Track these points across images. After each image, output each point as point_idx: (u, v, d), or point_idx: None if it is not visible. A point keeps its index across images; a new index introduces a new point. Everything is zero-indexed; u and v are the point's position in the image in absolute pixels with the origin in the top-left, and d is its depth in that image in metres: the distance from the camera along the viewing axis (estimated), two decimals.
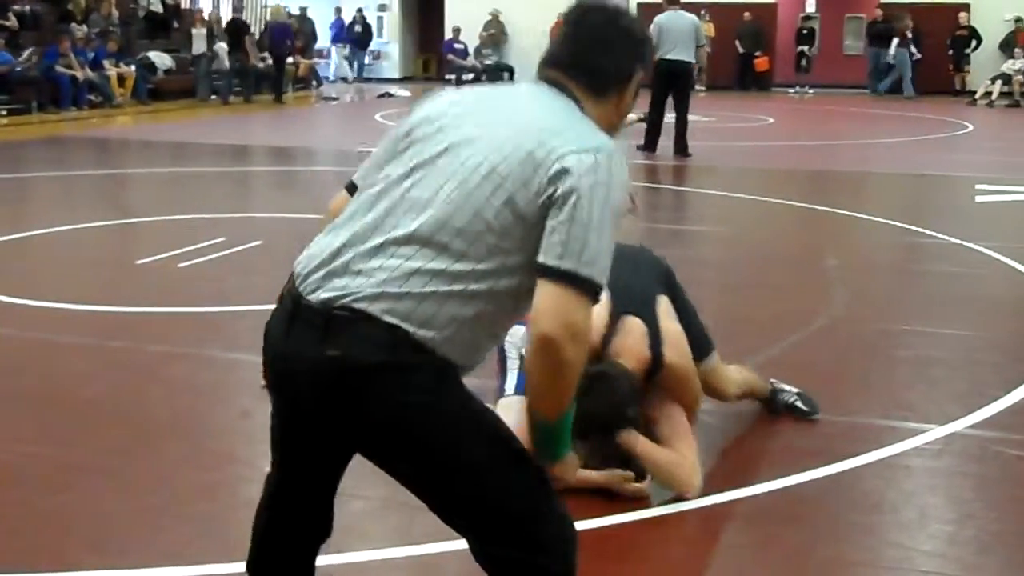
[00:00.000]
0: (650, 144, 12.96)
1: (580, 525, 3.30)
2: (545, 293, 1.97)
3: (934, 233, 8.18)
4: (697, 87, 12.50)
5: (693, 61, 12.83)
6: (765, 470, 3.77)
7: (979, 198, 10.07)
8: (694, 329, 3.91)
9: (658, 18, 12.58)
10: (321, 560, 3.15)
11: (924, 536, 3.36)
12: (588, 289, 1.98)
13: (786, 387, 4.33)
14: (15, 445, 3.96)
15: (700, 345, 3.91)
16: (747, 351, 5.15)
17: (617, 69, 2.23)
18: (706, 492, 3.59)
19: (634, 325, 3.62)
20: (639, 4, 26.36)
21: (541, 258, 1.99)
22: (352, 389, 2.02)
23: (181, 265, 6.86)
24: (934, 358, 5.19)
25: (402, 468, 2.13)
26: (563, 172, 2.00)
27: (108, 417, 4.28)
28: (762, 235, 8.68)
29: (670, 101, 12.77)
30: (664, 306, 3.78)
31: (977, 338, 5.55)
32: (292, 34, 22.82)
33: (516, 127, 2.09)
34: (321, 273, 2.09)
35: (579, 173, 2.00)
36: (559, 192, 2.00)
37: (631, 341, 3.58)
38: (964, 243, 7.76)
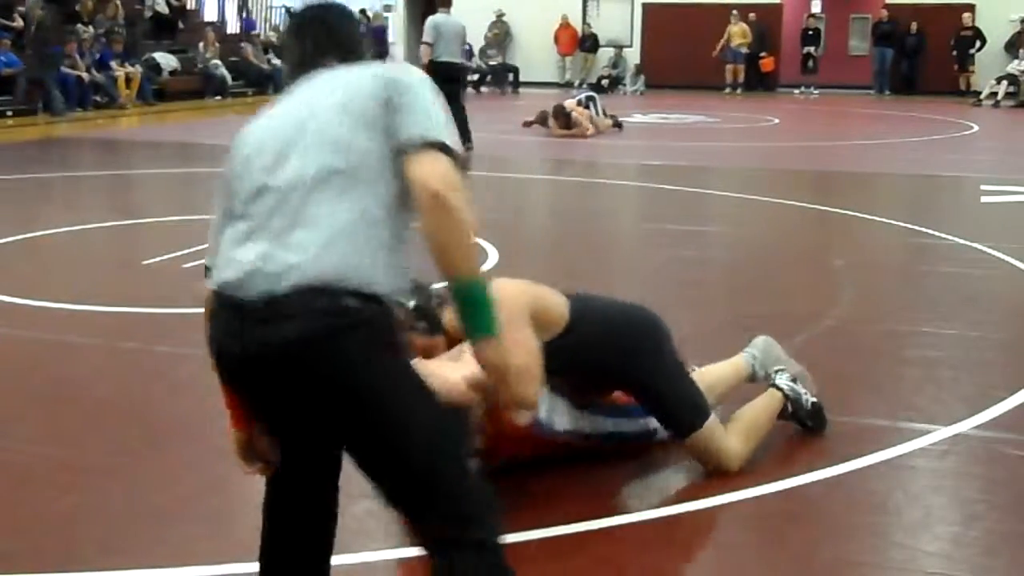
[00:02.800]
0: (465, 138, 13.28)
1: (582, 527, 3.33)
2: (418, 162, 2.19)
3: (939, 234, 8.18)
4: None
5: (464, 62, 13.39)
6: (770, 470, 3.77)
7: (984, 199, 10.06)
8: (672, 397, 3.62)
9: (432, 19, 13.03)
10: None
11: (929, 537, 3.36)
12: (448, 150, 2.22)
13: (801, 398, 4.06)
14: (24, 445, 3.98)
15: (682, 418, 3.62)
16: None
17: (350, 40, 2.52)
18: (712, 493, 3.60)
19: None
20: (644, 4, 26.46)
21: (402, 142, 2.21)
22: (301, 363, 2.13)
23: (187, 266, 6.87)
24: (939, 359, 5.19)
25: (348, 437, 2.23)
26: (393, 81, 2.28)
27: (116, 417, 4.30)
28: (768, 236, 8.68)
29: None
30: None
31: (983, 339, 5.55)
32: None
33: (337, 82, 2.33)
34: (242, 273, 2.23)
35: (403, 77, 2.30)
36: (395, 95, 2.25)
37: None
38: (969, 244, 7.75)
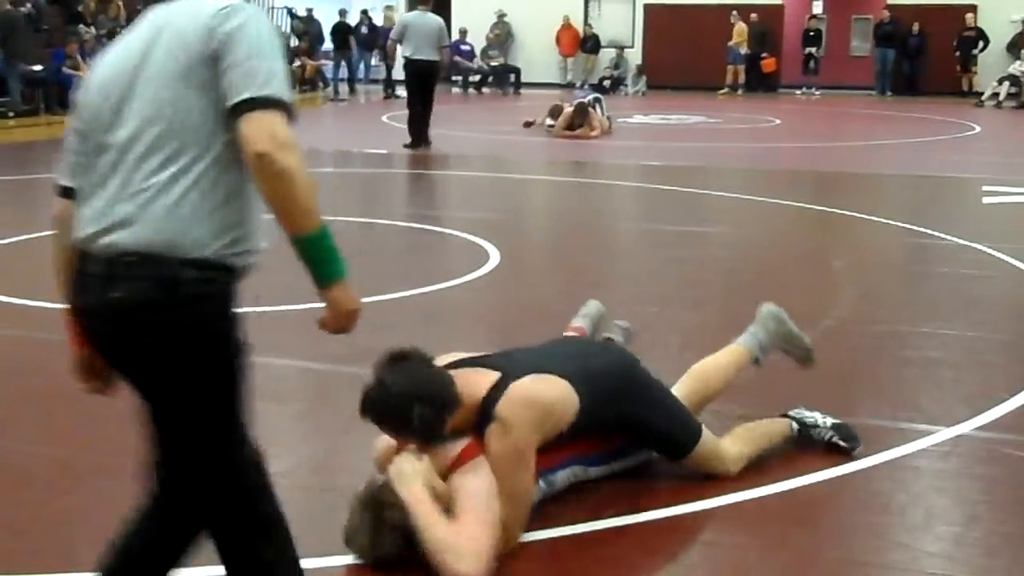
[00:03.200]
0: (417, 139, 13.60)
1: (587, 527, 3.33)
2: (243, 124, 2.16)
3: (941, 234, 8.17)
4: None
5: (437, 59, 13.41)
6: (772, 471, 3.76)
7: (986, 199, 10.06)
8: (663, 427, 3.57)
9: (404, 16, 13.18)
10: (329, 561, 3.17)
11: (931, 537, 3.36)
12: (275, 104, 2.19)
13: (818, 420, 3.99)
14: (24, 445, 3.97)
15: (676, 442, 3.59)
16: None
17: None
18: (714, 494, 3.60)
19: (481, 374, 3.29)
20: (645, 5, 26.45)
21: (228, 103, 2.17)
22: (126, 326, 2.22)
23: None
24: (941, 360, 5.18)
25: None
26: (221, 34, 2.20)
27: (116, 418, 4.26)
28: (768, 236, 8.67)
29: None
30: (542, 379, 3.28)
31: (984, 340, 5.54)
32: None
33: (171, 29, 2.24)
34: (93, 229, 2.24)
35: (231, 28, 2.20)
36: (222, 49, 2.19)
37: (471, 380, 3.25)
38: (971, 244, 7.75)
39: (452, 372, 3.27)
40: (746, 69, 25.27)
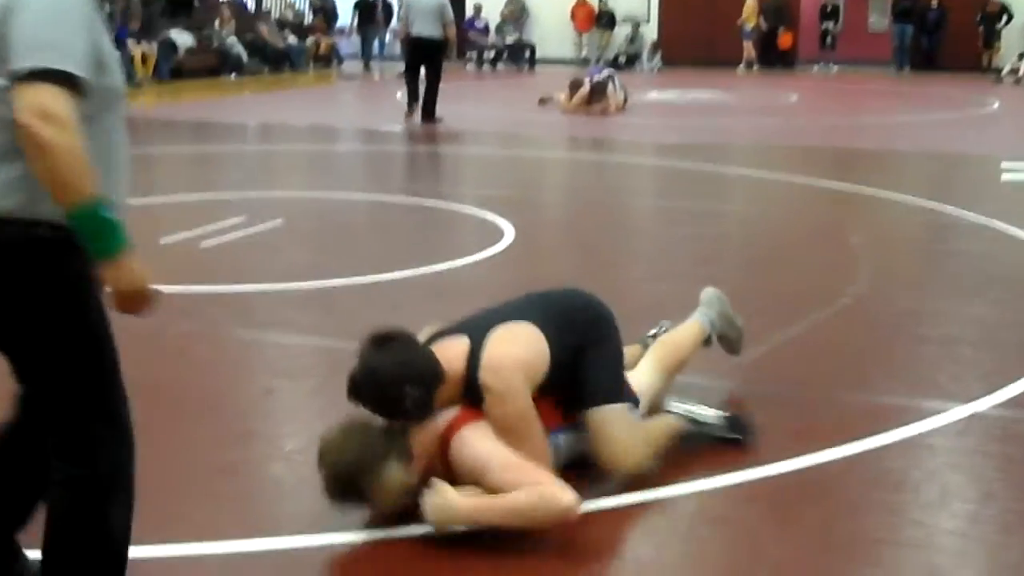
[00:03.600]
0: (410, 109, 13.89)
1: (598, 504, 3.34)
2: (17, 95, 2.15)
3: (958, 212, 8.13)
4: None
5: (440, 36, 13.52)
6: (787, 448, 3.76)
7: (1005, 176, 9.99)
8: (600, 376, 3.45)
9: None
10: (344, 537, 3.19)
11: (946, 515, 3.35)
12: (50, 76, 2.15)
13: (709, 416, 3.82)
14: None
15: (594, 388, 3.44)
16: (769, 329, 5.15)
17: None
18: (727, 470, 3.60)
19: (452, 343, 3.33)
20: None
21: (10, 68, 2.16)
22: None
23: (204, 244, 6.89)
24: (957, 337, 5.16)
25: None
26: (6, 3, 2.19)
27: (134, 395, 4.27)
28: (785, 213, 8.64)
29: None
30: (505, 332, 3.31)
31: (1001, 317, 5.52)
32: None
33: None
34: None
35: None
36: (8, 18, 2.18)
37: (445, 354, 3.27)
38: (989, 222, 7.71)
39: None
40: (763, 45, 25.12)
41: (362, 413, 3.19)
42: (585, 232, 7.95)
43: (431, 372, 3.18)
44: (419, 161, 12.25)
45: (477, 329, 3.36)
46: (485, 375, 3.21)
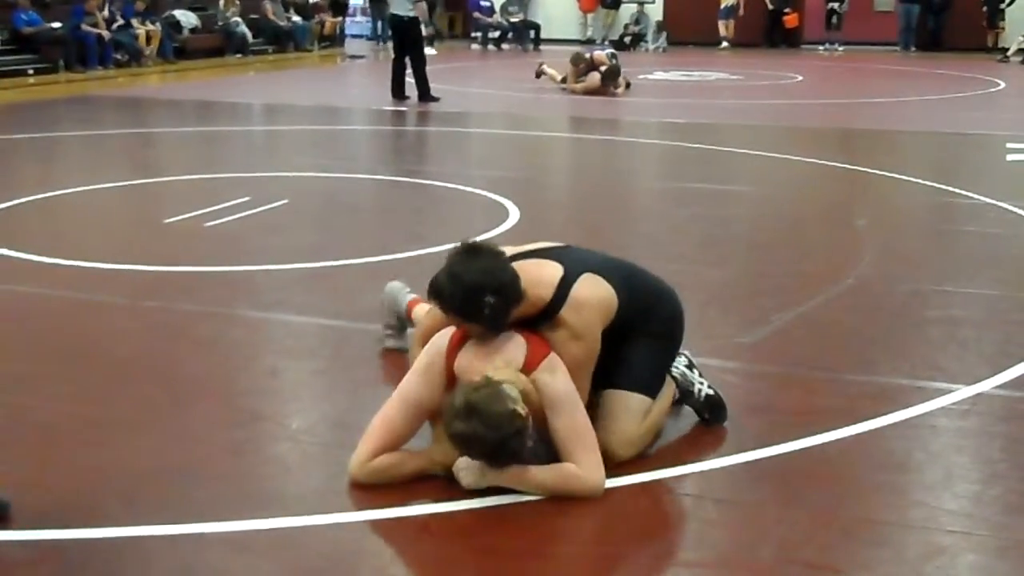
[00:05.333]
0: (396, 92, 14.08)
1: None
2: None
3: (964, 192, 8.11)
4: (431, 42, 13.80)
5: (411, 14, 13.68)
6: (789, 429, 3.77)
7: (1010, 157, 9.97)
8: (647, 364, 3.58)
9: None
10: (347, 517, 3.20)
11: (950, 496, 3.36)
12: None
13: (695, 388, 3.82)
14: (49, 402, 4.01)
15: (635, 378, 3.54)
16: (774, 310, 5.15)
17: None
18: (732, 451, 3.60)
19: (546, 266, 3.45)
20: None
21: None
22: None
23: (208, 224, 6.89)
24: (963, 318, 5.16)
25: None
26: None
27: (140, 375, 4.32)
28: (790, 194, 8.63)
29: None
30: (595, 280, 3.44)
31: (1007, 298, 5.51)
32: None
33: None
34: None
35: None
36: None
37: (533, 275, 3.38)
38: (994, 202, 7.69)
39: (518, 262, 3.41)
40: (769, 25, 25.03)
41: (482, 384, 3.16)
42: (589, 212, 7.94)
43: (513, 287, 3.28)
44: (424, 141, 12.23)
45: (573, 264, 3.46)
46: (568, 311, 3.35)
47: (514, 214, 7.22)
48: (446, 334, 3.39)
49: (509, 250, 3.51)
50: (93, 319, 5.11)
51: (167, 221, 7.02)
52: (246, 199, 7.54)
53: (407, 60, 13.91)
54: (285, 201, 7.63)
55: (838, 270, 5.91)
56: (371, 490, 3.26)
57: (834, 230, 7.13)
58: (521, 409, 3.12)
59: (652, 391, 3.58)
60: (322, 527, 3.11)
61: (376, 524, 3.15)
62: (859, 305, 5.38)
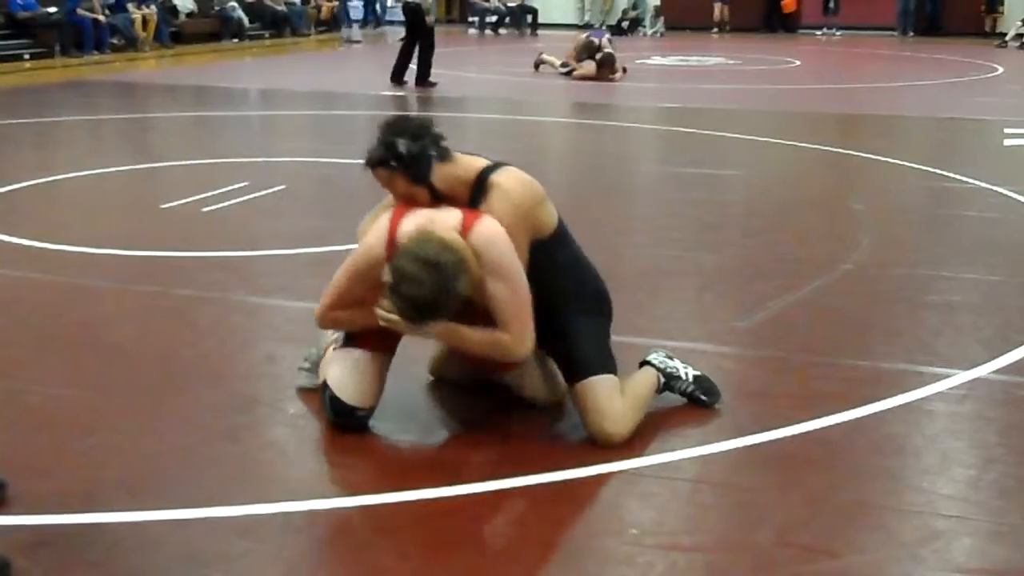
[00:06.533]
0: (395, 76, 14.18)
1: (598, 469, 3.35)
2: None
3: (961, 177, 8.11)
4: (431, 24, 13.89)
5: (418, 1, 13.77)
6: (787, 414, 3.77)
7: (1008, 142, 9.97)
8: (591, 347, 3.57)
9: None
10: (350, 502, 3.20)
11: (946, 480, 3.37)
12: None
13: (680, 371, 3.83)
14: (46, 388, 4.01)
15: (580, 361, 3.55)
16: (770, 295, 5.15)
17: None
18: (728, 436, 3.61)
19: (478, 158, 3.64)
20: None
21: None
22: None
23: (205, 209, 6.88)
24: (960, 303, 5.16)
25: None
26: None
27: (137, 360, 4.33)
28: (786, 179, 8.62)
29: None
30: (524, 174, 3.61)
31: (1004, 283, 5.52)
32: None
33: None
34: None
35: None
36: None
37: (466, 159, 3.61)
38: (992, 187, 7.69)
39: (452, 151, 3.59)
40: (766, 10, 25.00)
41: (424, 235, 3.30)
42: (587, 197, 7.93)
43: (426, 132, 3.54)
44: None
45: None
46: (499, 175, 3.51)
47: None
48: (389, 211, 3.55)
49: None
50: (90, 304, 5.11)
51: (164, 206, 7.01)
52: (244, 184, 7.53)
53: (416, 47, 13.91)
54: (283, 186, 7.62)
55: (835, 255, 5.92)
56: (369, 474, 3.26)
57: (831, 215, 7.13)
58: (457, 256, 3.25)
59: (609, 367, 3.58)
60: (322, 511, 3.12)
61: (375, 508, 3.15)
62: (856, 290, 5.39)
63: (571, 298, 3.62)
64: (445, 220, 3.40)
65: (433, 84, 13.80)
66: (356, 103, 13.57)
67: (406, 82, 14.00)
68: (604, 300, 3.76)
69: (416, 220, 3.43)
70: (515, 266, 3.38)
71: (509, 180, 3.51)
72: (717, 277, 5.65)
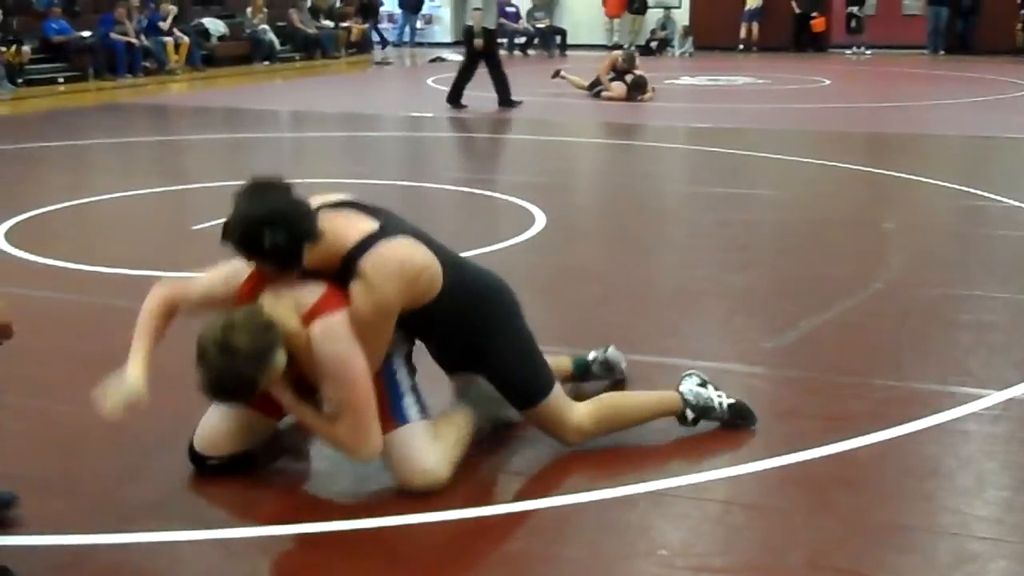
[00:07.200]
0: (451, 98, 13.98)
1: (629, 490, 3.34)
2: None
3: (994, 196, 8.04)
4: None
5: (470, 22, 13.77)
6: (818, 434, 3.74)
7: None
8: (509, 365, 3.45)
9: None
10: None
11: (981, 502, 3.33)
12: None
13: (713, 401, 3.74)
14: (77, 408, 4.02)
15: (520, 390, 3.46)
16: (801, 314, 5.12)
17: None
18: (758, 456, 3.59)
19: (362, 220, 3.29)
20: None
21: None
22: None
23: None
24: (993, 323, 5.11)
25: None
26: None
27: (167, 381, 4.33)
28: (818, 198, 8.58)
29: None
30: (413, 243, 3.27)
31: None
32: None
33: None
34: None
35: None
36: None
37: (343, 223, 3.25)
38: None
39: (330, 211, 3.27)
40: (796, 29, 24.96)
41: (237, 313, 3.17)
42: (617, 218, 7.93)
43: (300, 223, 3.14)
44: (450, 147, 12.25)
45: (393, 225, 3.30)
46: (367, 261, 3.17)
47: (540, 219, 7.22)
48: (244, 273, 3.33)
49: (318, 199, 3.33)
50: (121, 325, 5.11)
51: (195, 227, 7.06)
52: None
53: (476, 69, 13.87)
54: None
55: (866, 274, 5.88)
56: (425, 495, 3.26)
57: (862, 234, 7.09)
58: (268, 341, 3.08)
59: (547, 383, 3.47)
60: (367, 530, 3.12)
61: (414, 528, 3.15)
62: (887, 310, 5.35)
63: (479, 323, 3.41)
64: (297, 300, 3.19)
65: (516, 103, 13.88)
66: (385, 125, 13.62)
67: (464, 106, 13.85)
68: (518, 314, 3.52)
69: (270, 292, 3.24)
70: (349, 367, 3.13)
71: (376, 270, 3.16)
72: (747, 297, 5.62)
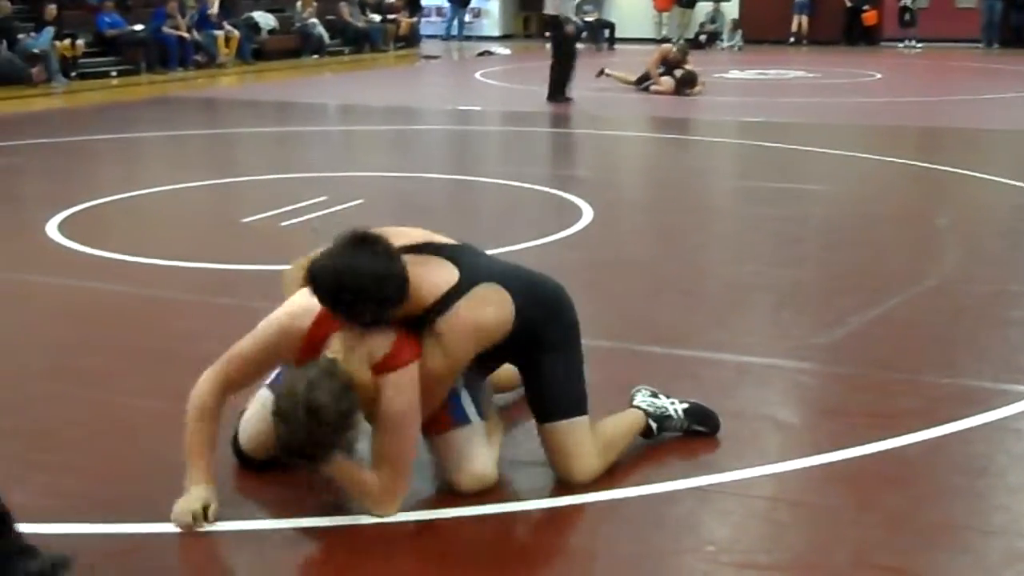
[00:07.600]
0: (552, 94, 13.79)
1: (675, 486, 3.33)
2: None
3: None
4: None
5: (553, 12, 13.55)
6: (867, 431, 3.71)
7: None
8: (565, 387, 3.37)
9: None
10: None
11: None
12: None
13: (669, 410, 3.65)
14: (130, 399, 4.09)
15: (557, 405, 3.36)
16: (851, 311, 5.08)
17: None
18: (804, 453, 3.56)
19: (441, 271, 3.22)
20: None
21: None
22: None
23: (284, 223, 6.97)
24: None
25: None
26: None
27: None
28: (869, 193, 8.50)
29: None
30: (487, 292, 3.21)
31: None
32: None
33: None
34: None
35: None
36: None
37: (426, 275, 3.17)
38: None
39: (410, 256, 3.17)
40: (847, 22, 24.72)
41: (318, 374, 3.03)
42: (664, 212, 7.90)
43: (393, 290, 3.07)
44: (497, 141, 12.26)
45: (471, 272, 3.24)
46: (445, 324, 3.14)
47: (587, 214, 7.21)
48: (295, 326, 3.24)
49: (397, 239, 3.21)
50: (172, 316, 5.20)
51: (245, 220, 7.12)
52: (322, 199, 7.62)
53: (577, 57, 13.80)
54: (361, 201, 7.69)
55: (918, 270, 5.82)
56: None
57: (914, 230, 7.02)
58: (349, 405, 3.00)
59: (581, 407, 3.38)
60: (402, 523, 3.14)
61: (439, 523, 3.16)
62: (939, 306, 5.29)
63: (542, 336, 3.34)
64: (370, 350, 3.12)
65: (567, 99, 13.75)
66: (434, 118, 13.66)
67: (569, 99, 13.76)
68: (575, 328, 3.45)
69: (342, 340, 3.14)
70: (407, 422, 3.14)
71: (453, 333, 3.14)
72: (797, 292, 5.58)
